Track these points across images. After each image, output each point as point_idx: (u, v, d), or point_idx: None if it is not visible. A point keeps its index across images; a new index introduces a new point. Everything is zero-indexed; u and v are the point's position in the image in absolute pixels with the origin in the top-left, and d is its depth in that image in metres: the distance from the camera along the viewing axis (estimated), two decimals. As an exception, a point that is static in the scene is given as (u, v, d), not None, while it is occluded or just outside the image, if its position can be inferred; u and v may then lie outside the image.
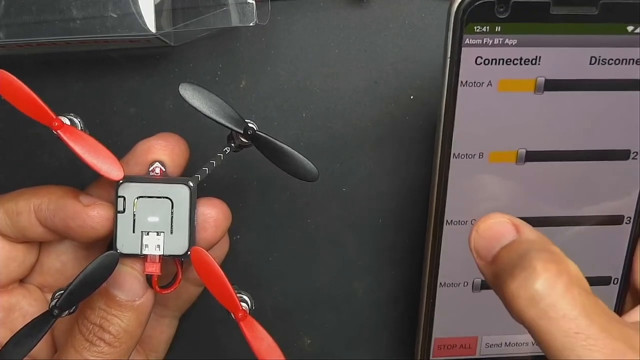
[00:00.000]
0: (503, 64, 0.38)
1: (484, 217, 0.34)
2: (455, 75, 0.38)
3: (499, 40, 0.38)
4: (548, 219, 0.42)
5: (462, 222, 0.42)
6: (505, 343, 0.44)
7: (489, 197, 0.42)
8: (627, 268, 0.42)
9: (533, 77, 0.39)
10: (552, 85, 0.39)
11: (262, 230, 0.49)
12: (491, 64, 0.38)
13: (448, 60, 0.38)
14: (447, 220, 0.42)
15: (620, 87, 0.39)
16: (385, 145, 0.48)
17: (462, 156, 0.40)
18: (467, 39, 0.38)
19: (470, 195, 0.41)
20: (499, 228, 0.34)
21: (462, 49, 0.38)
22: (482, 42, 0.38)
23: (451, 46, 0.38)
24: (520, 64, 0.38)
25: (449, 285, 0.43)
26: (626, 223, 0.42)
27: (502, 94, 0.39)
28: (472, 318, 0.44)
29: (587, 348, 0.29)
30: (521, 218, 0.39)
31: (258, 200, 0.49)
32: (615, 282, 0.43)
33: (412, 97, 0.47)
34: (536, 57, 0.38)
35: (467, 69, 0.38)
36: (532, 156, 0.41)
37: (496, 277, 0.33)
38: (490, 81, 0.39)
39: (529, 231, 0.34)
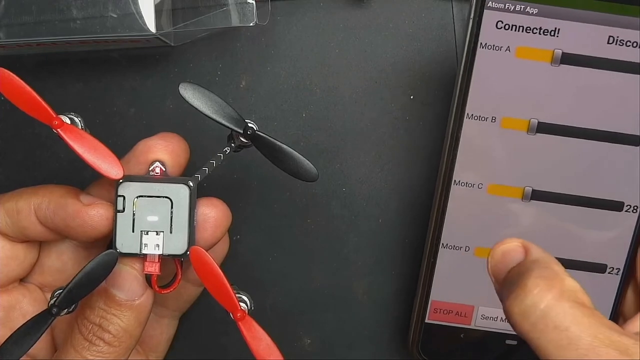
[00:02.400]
0: (522, 31, 0.40)
1: (498, 243, 0.35)
2: (475, 36, 0.40)
3: (521, 8, 0.39)
4: (549, 194, 0.42)
5: (470, 185, 0.42)
6: (502, 318, 0.44)
7: (498, 162, 0.42)
8: (630, 259, 0.42)
9: (550, 48, 0.40)
10: (568, 59, 0.40)
11: (262, 230, 0.49)
12: (511, 29, 0.40)
13: (470, 20, 0.40)
14: (455, 181, 0.43)
15: (635, 71, 0.40)
16: (385, 145, 0.48)
17: (475, 117, 0.41)
18: (490, 2, 0.39)
19: (480, 157, 0.42)
20: (509, 251, 0.35)
21: (485, 11, 0.40)
22: (504, 7, 0.39)
23: (475, 7, 0.40)
24: (539, 34, 0.40)
25: (450, 247, 0.44)
26: (632, 212, 0.42)
27: (519, 61, 0.40)
28: (470, 285, 0.44)
29: (579, 358, 0.29)
30: (524, 188, 0.41)
31: (258, 200, 0.49)
32: (611, 272, 0.43)
33: (412, 97, 0.47)
34: (555, 28, 0.40)
35: (488, 32, 0.40)
36: (543, 128, 0.41)
37: (501, 294, 0.34)
38: (508, 46, 0.40)
39: (535, 252, 0.34)
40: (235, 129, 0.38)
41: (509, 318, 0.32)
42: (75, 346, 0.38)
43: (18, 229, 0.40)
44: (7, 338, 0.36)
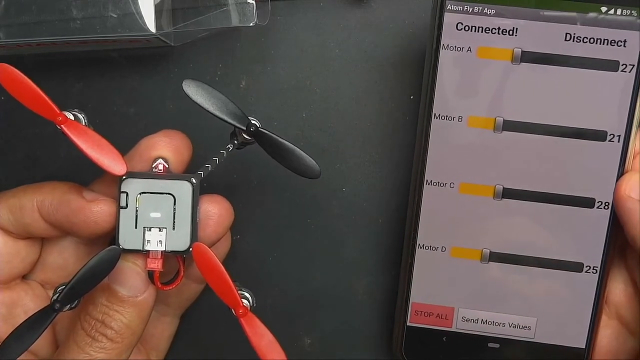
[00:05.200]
0: (482, 31, 0.41)
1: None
2: (437, 38, 0.41)
3: (479, 9, 0.40)
4: (520, 192, 0.43)
5: (442, 184, 0.43)
6: (482, 320, 0.44)
7: (467, 161, 0.43)
8: (606, 257, 0.43)
9: (510, 47, 0.41)
10: (528, 57, 0.41)
11: (262, 230, 0.49)
12: (471, 30, 0.41)
13: (432, 22, 0.41)
14: (427, 180, 0.43)
15: (595, 66, 0.41)
16: (385, 145, 0.48)
17: (442, 117, 0.42)
18: (450, 5, 0.41)
19: (450, 157, 0.43)
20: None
21: (445, 13, 0.41)
22: (463, 9, 0.41)
23: (435, 9, 0.41)
24: (498, 34, 0.41)
25: (427, 248, 0.44)
26: (604, 208, 0.42)
27: (481, 61, 0.41)
28: (448, 286, 0.44)
29: None
30: (495, 186, 0.42)
31: (258, 200, 0.49)
32: (588, 270, 0.43)
33: (412, 97, 0.47)
34: (513, 28, 0.41)
35: (449, 33, 0.41)
36: (509, 126, 0.42)
37: None
38: (469, 47, 0.41)
39: None
40: (239, 125, 0.38)
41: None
42: (77, 342, 0.38)
43: (21, 225, 0.40)
44: (10, 334, 0.36)
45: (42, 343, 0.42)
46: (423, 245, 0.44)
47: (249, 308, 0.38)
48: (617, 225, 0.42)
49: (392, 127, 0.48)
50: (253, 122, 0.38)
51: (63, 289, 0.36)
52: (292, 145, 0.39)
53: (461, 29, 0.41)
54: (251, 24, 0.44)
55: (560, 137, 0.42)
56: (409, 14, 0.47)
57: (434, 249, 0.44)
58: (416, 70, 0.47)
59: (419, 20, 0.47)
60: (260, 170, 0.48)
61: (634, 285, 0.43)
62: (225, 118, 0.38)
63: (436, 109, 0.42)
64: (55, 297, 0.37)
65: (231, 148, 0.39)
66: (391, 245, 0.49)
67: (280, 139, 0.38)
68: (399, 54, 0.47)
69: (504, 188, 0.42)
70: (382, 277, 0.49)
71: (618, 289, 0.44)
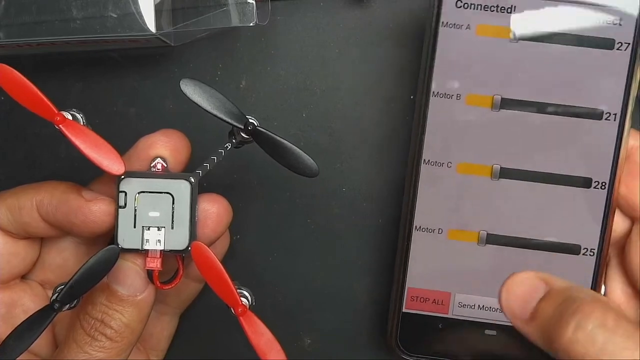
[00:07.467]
0: (481, 9, 0.41)
1: (511, 278, 0.34)
2: (437, 15, 0.41)
3: None
4: (517, 172, 0.43)
5: (439, 164, 0.43)
6: (479, 305, 0.44)
7: (465, 140, 0.43)
8: (603, 239, 0.42)
9: (508, 25, 0.41)
10: (526, 34, 0.41)
11: (262, 230, 0.49)
12: (470, 8, 0.41)
13: (431, 0, 0.41)
14: (424, 160, 0.43)
15: (591, 45, 0.41)
16: (385, 145, 0.48)
17: (441, 95, 0.42)
18: None
19: (448, 136, 0.43)
20: (529, 284, 0.34)
21: None
22: None
23: None
24: (497, 11, 0.41)
25: (424, 230, 0.44)
26: (601, 188, 0.42)
27: (480, 38, 0.41)
28: (445, 270, 0.44)
29: None
30: (493, 166, 0.42)
31: (258, 200, 0.49)
32: (585, 253, 0.43)
33: (412, 97, 0.47)
34: (512, 5, 0.41)
35: (448, 11, 0.41)
36: (507, 104, 0.42)
37: (543, 330, 0.33)
38: (469, 24, 0.41)
39: (558, 281, 0.34)
40: (236, 124, 0.38)
41: (569, 347, 0.31)
42: (77, 341, 0.38)
43: (20, 225, 0.40)
44: (9, 334, 0.36)
45: (41, 343, 0.42)
46: (420, 227, 0.44)
47: (247, 307, 0.38)
48: (614, 205, 0.42)
49: (392, 127, 0.48)
50: (251, 120, 0.38)
51: (62, 289, 0.36)
52: (290, 144, 0.38)
53: (460, 6, 0.41)
54: (251, 24, 0.44)
55: (558, 115, 0.42)
56: (409, 14, 0.47)
57: (430, 231, 0.44)
58: (416, 70, 0.47)
59: (419, 20, 0.47)
60: (260, 170, 0.48)
61: (632, 284, 0.43)
62: (223, 117, 0.38)
63: (434, 87, 0.42)
64: (54, 297, 0.37)
65: (229, 147, 0.39)
66: (391, 245, 0.48)
67: (278, 138, 0.38)
68: (399, 54, 0.47)
69: (501, 168, 0.42)
70: (381, 277, 0.49)
71: (618, 289, 0.43)
